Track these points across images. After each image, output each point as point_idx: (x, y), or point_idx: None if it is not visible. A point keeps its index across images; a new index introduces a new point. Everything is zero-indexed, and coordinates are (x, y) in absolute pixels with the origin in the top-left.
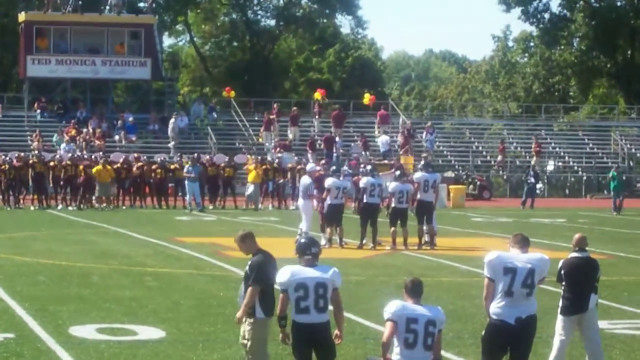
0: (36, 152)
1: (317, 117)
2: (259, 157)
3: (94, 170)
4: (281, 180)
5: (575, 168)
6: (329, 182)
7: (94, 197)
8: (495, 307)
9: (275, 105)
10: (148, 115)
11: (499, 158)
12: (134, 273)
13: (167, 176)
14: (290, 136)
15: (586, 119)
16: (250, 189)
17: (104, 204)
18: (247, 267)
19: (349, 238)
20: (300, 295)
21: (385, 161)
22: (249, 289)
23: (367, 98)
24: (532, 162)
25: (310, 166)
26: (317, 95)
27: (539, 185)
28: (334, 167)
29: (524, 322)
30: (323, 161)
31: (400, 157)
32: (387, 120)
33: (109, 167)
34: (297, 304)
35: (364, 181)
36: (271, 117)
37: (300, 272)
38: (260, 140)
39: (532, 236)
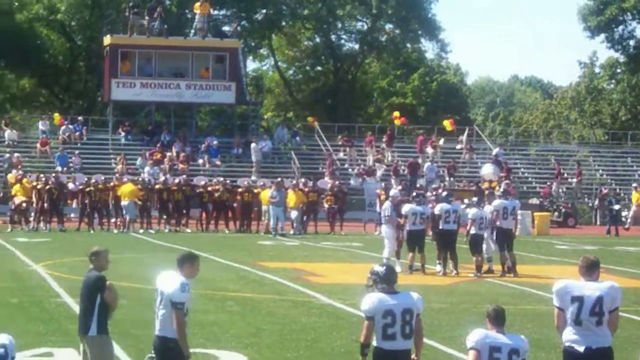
0: (119, 175)
1: (387, 145)
2: (295, 182)
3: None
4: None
5: None
6: (406, 208)
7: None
8: (567, 334)
9: (340, 137)
10: (232, 140)
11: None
12: (216, 298)
13: (252, 200)
14: (370, 160)
15: None
16: (293, 213)
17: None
18: None
19: (431, 264)
20: (387, 322)
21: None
22: None
23: (448, 125)
24: (615, 189)
25: (393, 192)
26: (397, 121)
27: (624, 213)
28: (414, 194)
29: (594, 353)
30: (400, 186)
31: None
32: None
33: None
34: (384, 330)
35: (438, 208)
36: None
37: (386, 299)
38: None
39: (617, 265)
